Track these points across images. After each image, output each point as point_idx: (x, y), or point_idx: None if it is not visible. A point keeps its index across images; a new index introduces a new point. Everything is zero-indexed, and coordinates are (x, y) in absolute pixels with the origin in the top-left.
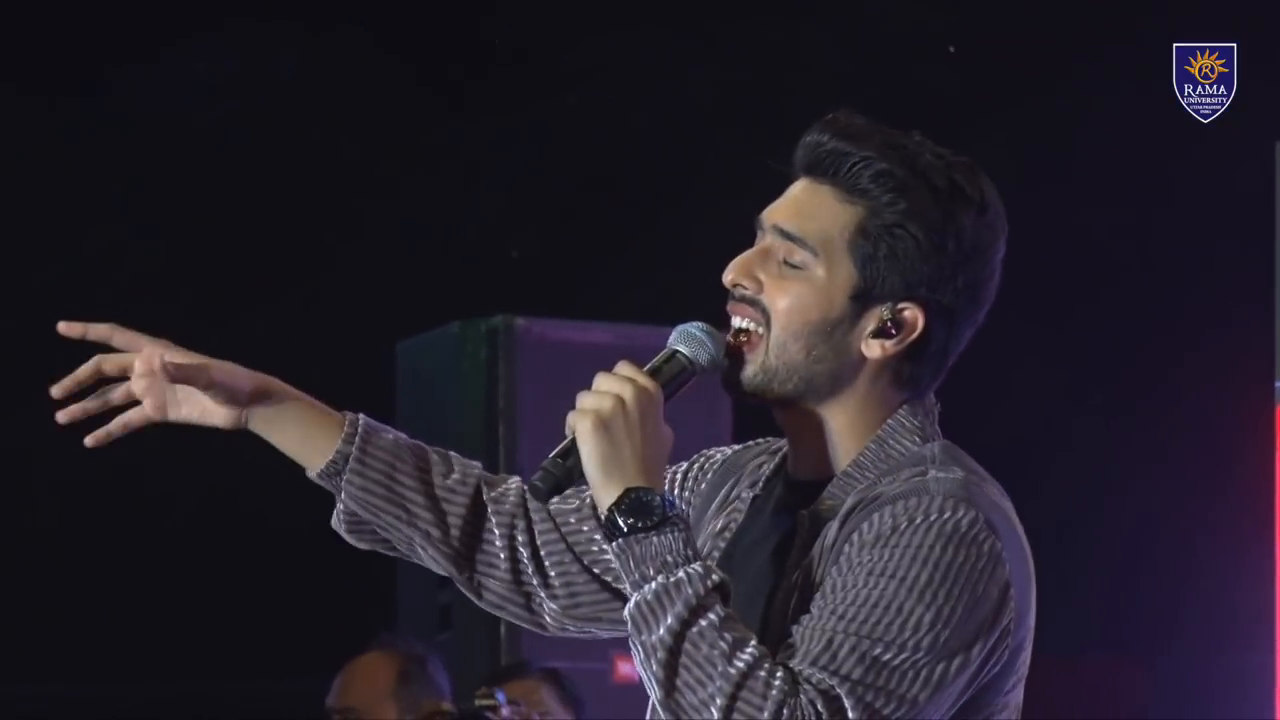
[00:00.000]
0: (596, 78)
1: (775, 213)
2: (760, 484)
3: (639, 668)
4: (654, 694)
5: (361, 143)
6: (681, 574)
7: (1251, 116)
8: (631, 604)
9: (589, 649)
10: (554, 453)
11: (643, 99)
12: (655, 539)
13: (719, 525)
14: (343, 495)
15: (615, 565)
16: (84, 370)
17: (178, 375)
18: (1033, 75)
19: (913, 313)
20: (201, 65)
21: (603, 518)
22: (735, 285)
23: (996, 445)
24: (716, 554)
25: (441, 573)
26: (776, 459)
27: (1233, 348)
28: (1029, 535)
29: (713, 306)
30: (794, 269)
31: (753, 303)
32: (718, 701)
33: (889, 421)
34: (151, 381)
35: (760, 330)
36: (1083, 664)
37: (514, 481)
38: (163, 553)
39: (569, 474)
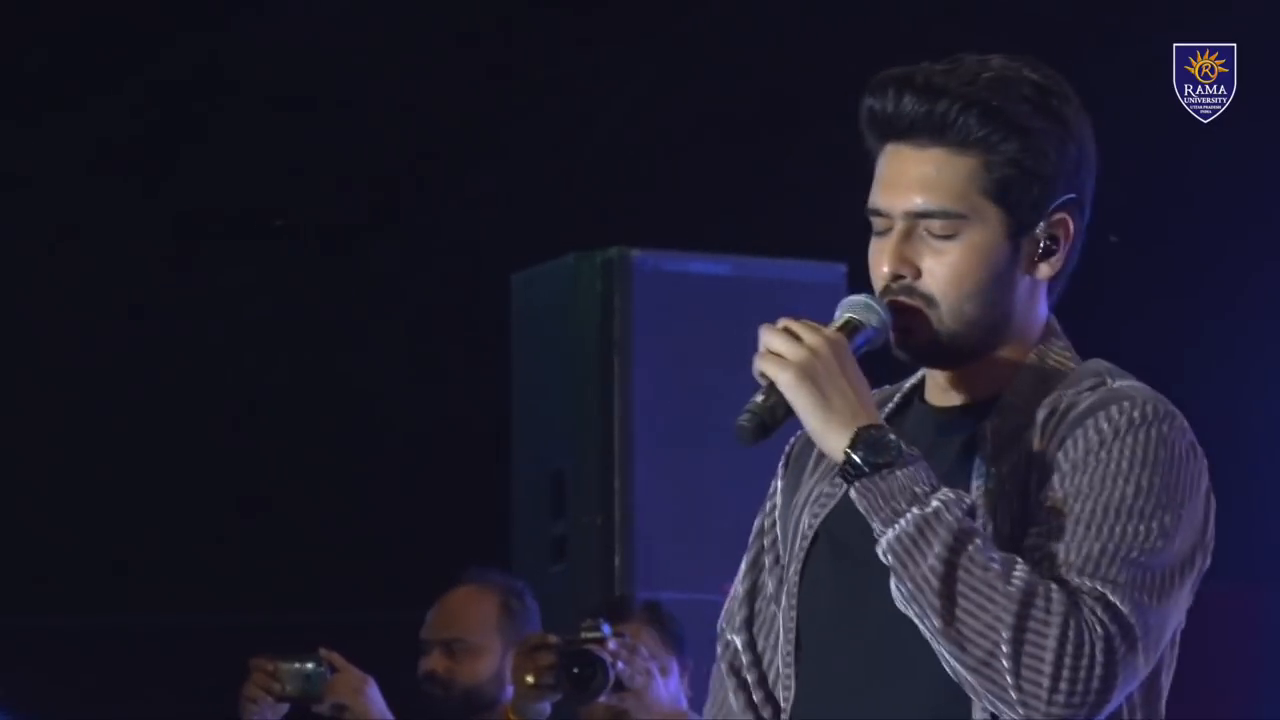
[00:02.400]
0: (715, 5)
1: (897, 198)
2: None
3: (904, 601)
4: (930, 624)
5: (477, 73)
6: (936, 502)
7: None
8: (890, 538)
9: (702, 580)
10: (755, 397)
11: (761, 29)
12: (899, 473)
13: (821, 489)
14: None
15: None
16: None
17: None
18: None
19: (1063, 220)
20: None
21: (839, 462)
22: (896, 277)
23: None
24: (832, 499)
25: None
26: (897, 399)
27: None
28: None
29: (828, 238)
30: (946, 240)
31: (911, 291)
32: (1005, 620)
33: (1045, 339)
34: None
35: (926, 309)
36: (1208, 596)
37: None
38: (279, 476)
39: (772, 413)
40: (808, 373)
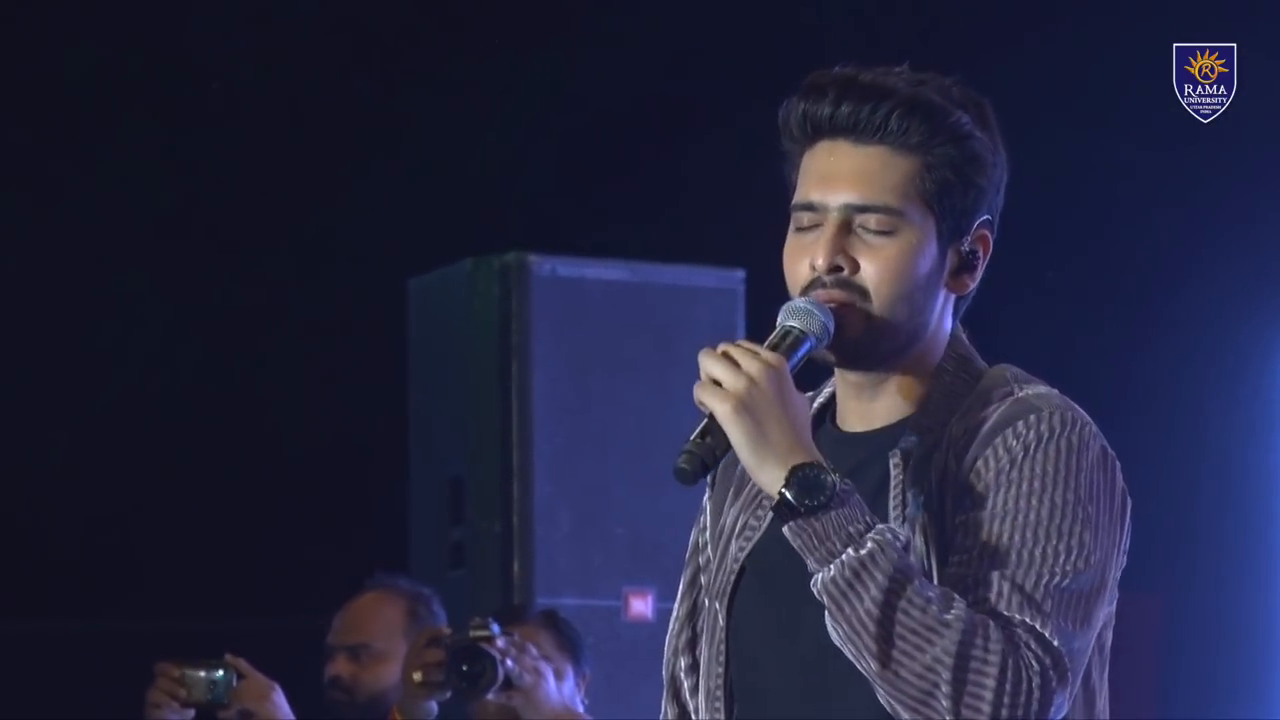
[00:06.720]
0: (612, 8)
1: (834, 191)
2: None
3: (841, 640)
4: (866, 665)
5: (374, 77)
6: (871, 544)
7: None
8: (825, 579)
9: (601, 586)
10: (693, 434)
11: (659, 31)
12: (834, 513)
13: (746, 519)
14: None
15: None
16: None
17: None
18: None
19: (984, 236)
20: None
21: (773, 500)
22: (832, 270)
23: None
24: (757, 530)
25: None
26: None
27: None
28: None
29: (725, 244)
30: (883, 235)
31: (846, 284)
32: (945, 662)
33: (950, 352)
34: None
35: (859, 303)
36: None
37: None
38: (178, 484)
39: (711, 452)
40: (746, 405)
